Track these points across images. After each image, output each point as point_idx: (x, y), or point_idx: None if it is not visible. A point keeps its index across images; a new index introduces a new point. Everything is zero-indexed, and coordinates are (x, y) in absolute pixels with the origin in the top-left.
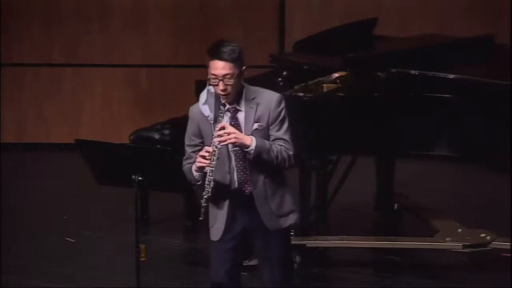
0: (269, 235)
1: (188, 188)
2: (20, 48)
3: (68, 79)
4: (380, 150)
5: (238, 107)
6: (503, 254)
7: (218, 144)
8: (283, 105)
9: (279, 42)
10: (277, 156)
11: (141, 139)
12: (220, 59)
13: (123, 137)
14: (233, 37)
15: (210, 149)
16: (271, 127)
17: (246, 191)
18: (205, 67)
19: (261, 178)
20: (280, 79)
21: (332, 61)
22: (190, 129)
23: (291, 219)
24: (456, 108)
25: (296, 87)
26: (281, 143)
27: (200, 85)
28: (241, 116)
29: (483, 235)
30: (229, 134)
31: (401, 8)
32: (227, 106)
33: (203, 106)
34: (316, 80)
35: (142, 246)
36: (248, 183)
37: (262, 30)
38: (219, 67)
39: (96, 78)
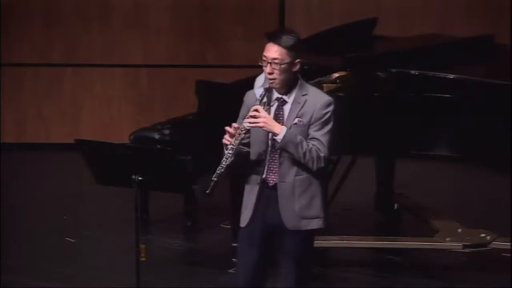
0: (287, 233)
1: (188, 188)
2: (20, 48)
3: (68, 79)
4: (380, 150)
5: (286, 99)
6: (503, 254)
7: (247, 125)
8: (330, 108)
9: None
10: (305, 153)
11: (141, 139)
12: (274, 42)
13: (123, 137)
14: (234, 37)
15: (236, 125)
16: (311, 126)
17: (271, 181)
18: (206, 67)
19: (291, 173)
20: None
21: (332, 61)
22: (242, 112)
23: (315, 224)
24: (456, 108)
25: None
26: (315, 143)
27: (200, 85)
28: (286, 108)
29: (483, 235)
30: (259, 117)
31: (401, 8)
32: (276, 95)
33: (258, 90)
34: (316, 80)
35: (142, 246)
36: (276, 174)
37: (262, 30)
38: (270, 50)
39: (96, 78)
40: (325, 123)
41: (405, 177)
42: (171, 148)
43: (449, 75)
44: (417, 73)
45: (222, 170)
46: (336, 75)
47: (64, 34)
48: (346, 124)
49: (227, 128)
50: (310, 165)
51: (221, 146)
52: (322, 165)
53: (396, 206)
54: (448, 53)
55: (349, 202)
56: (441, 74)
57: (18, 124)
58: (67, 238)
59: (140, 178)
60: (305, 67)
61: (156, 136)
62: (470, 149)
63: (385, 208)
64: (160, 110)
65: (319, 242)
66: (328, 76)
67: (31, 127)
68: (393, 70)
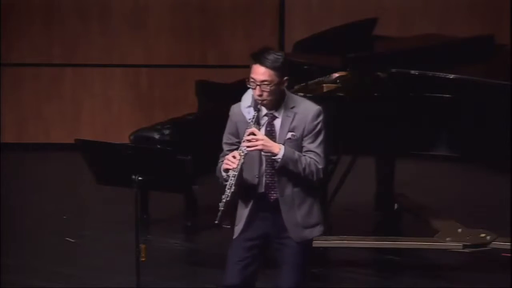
0: (290, 243)
1: (188, 188)
2: (20, 48)
3: (68, 79)
4: (380, 150)
5: (275, 114)
6: (503, 254)
7: (245, 149)
8: (320, 118)
9: (279, 42)
10: (304, 169)
11: (141, 139)
12: (262, 64)
13: (123, 137)
14: (233, 37)
15: (237, 154)
16: (304, 139)
17: (272, 197)
18: (205, 67)
19: (289, 186)
20: None
21: (332, 61)
22: (229, 128)
23: (317, 231)
24: (456, 108)
25: (296, 87)
26: (312, 155)
27: (200, 85)
28: (277, 123)
29: (483, 235)
30: (257, 140)
31: (401, 8)
32: (265, 111)
33: (246, 109)
34: (316, 80)
35: (142, 246)
36: (275, 189)
37: (262, 30)
38: (259, 72)
39: (96, 78)
40: (318, 134)
41: (405, 177)
42: (171, 148)
43: (449, 75)
44: (417, 73)
45: (228, 198)
46: (336, 75)
47: (64, 34)
48: (346, 124)
49: (230, 157)
50: (310, 178)
51: (221, 146)
52: (321, 176)
53: (396, 206)
54: (448, 53)
55: (349, 202)
56: (441, 74)
57: (18, 124)
58: (67, 238)
59: (140, 178)
60: (305, 67)
61: (156, 136)
62: (470, 149)
63: (385, 208)
64: (160, 110)
65: (319, 242)
66: (328, 76)
67: (31, 127)
68: (393, 70)
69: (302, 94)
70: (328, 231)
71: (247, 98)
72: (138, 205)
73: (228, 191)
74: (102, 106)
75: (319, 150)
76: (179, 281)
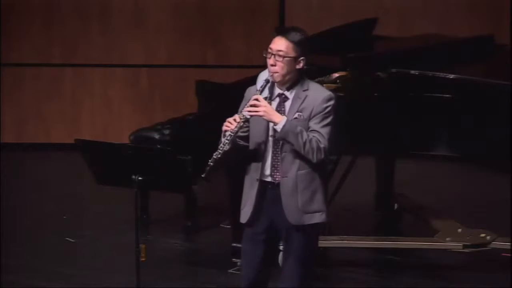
0: (291, 229)
1: (188, 188)
2: (20, 48)
3: (68, 79)
4: (380, 150)
5: (287, 95)
6: (503, 254)
7: (247, 113)
8: (330, 103)
9: None
10: (305, 143)
11: (141, 139)
12: (282, 35)
13: (123, 137)
14: (233, 37)
15: (237, 117)
16: (311, 120)
17: (277, 178)
18: (206, 67)
19: (293, 168)
20: None
21: (332, 61)
22: (242, 107)
23: (317, 218)
24: (456, 108)
25: None
26: (315, 134)
27: (200, 85)
28: (288, 104)
29: (483, 235)
30: (259, 106)
31: (402, 8)
32: (278, 91)
33: (260, 82)
34: (316, 80)
35: (142, 246)
36: (280, 170)
37: (262, 30)
38: (277, 42)
39: (96, 78)
40: (325, 116)
41: (405, 177)
42: (171, 148)
43: (449, 75)
44: (417, 73)
45: (219, 156)
46: (336, 75)
47: (64, 34)
48: (346, 124)
49: (229, 119)
50: (310, 156)
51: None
52: (322, 156)
53: (396, 206)
54: (448, 53)
55: (349, 202)
56: (441, 74)
57: (18, 124)
58: (67, 238)
59: (140, 178)
60: (305, 67)
61: (156, 136)
62: (470, 149)
63: (385, 208)
64: (160, 110)
65: (319, 242)
66: (328, 76)
67: (31, 127)
68: (393, 70)
69: None
70: (328, 231)
71: (262, 78)
72: (138, 205)
73: (221, 148)
74: (102, 106)
75: (324, 131)
76: (179, 281)
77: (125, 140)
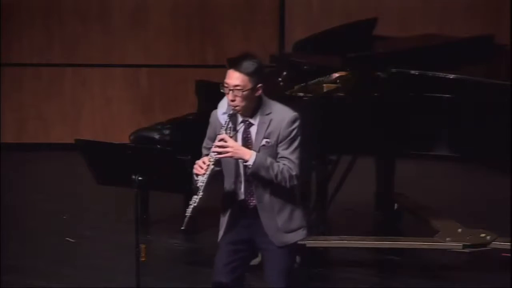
0: (274, 248)
1: (188, 188)
2: (20, 48)
3: (68, 79)
4: (380, 150)
5: (251, 121)
6: (503, 254)
7: (215, 155)
8: (296, 125)
9: (279, 42)
10: (276, 175)
11: (141, 139)
12: (235, 69)
13: (123, 137)
14: (233, 37)
15: (206, 160)
16: (279, 145)
17: (251, 203)
18: (205, 67)
19: (267, 192)
20: (280, 79)
21: (332, 61)
22: (208, 132)
23: (299, 234)
24: (456, 108)
25: (296, 87)
26: (285, 162)
27: (200, 85)
28: (253, 130)
29: (483, 235)
30: (226, 147)
31: (401, 8)
32: (241, 118)
33: (222, 116)
34: (316, 80)
35: (142, 246)
36: (254, 196)
37: (262, 30)
38: (232, 77)
39: (96, 78)
40: (292, 140)
41: (405, 177)
42: (171, 148)
43: (449, 75)
44: (417, 73)
45: (196, 205)
46: (336, 75)
47: (64, 34)
48: (346, 124)
49: (198, 162)
50: (283, 184)
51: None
52: (295, 183)
53: (396, 206)
54: (448, 53)
55: (349, 202)
56: (441, 74)
57: (18, 124)
58: (67, 238)
59: (140, 178)
60: (305, 67)
61: (156, 136)
62: (470, 149)
63: (385, 208)
64: (160, 110)
65: (319, 242)
66: (328, 76)
67: (31, 127)
68: (393, 70)
69: (302, 94)
70: (328, 231)
71: (223, 104)
72: (138, 205)
73: (196, 197)
74: (102, 106)
75: (293, 157)
76: (179, 281)
77: (125, 140)
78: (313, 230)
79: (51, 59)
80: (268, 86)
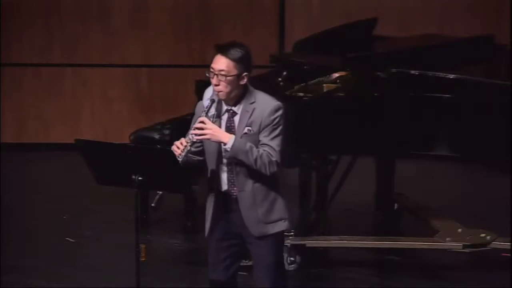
0: (256, 240)
1: (188, 188)
2: (20, 48)
3: (68, 79)
4: (380, 150)
5: (235, 110)
6: (503, 254)
7: (193, 136)
8: (278, 113)
9: (279, 42)
10: (255, 160)
11: (141, 139)
12: (222, 54)
13: (123, 137)
14: (233, 37)
15: (184, 141)
16: (261, 133)
17: (234, 193)
18: (205, 66)
19: (249, 182)
20: (280, 79)
21: (332, 61)
22: (192, 122)
23: (280, 226)
24: (456, 108)
25: (296, 87)
26: (265, 148)
27: (200, 85)
28: (236, 118)
29: (483, 235)
30: (205, 129)
31: (401, 8)
32: (225, 107)
33: (206, 101)
34: (316, 80)
35: (142, 246)
36: (236, 185)
37: (262, 30)
38: (218, 62)
39: (96, 78)
40: (274, 128)
41: (405, 177)
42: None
43: (449, 75)
44: (417, 73)
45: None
46: (336, 75)
47: (64, 34)
48: (346, 124)
49: (176, 142)
50: (263, 170)
51: None
52: (275, 169)
53: (396, 206)
54: (448, 53)
55: (349, 202)
56: (441, 74)
57: (18, 124)
58: (67, 238)
59: (140, 178)
60: (305, 67)
61: (156, 136)
62: (470, 149)
63: (385, 208)
64: (160, 110)
65: (319, 242)
66: (328, 76)
67: (31, 127)
68: (393, 70)
69: (302, 94)
70: (328, 231)
71: (209, 92)
72: (138, 205)
73: None
74: (102, 106)
75: (273, 144)
76: (179, 281)
77: (125, 140)
78: (313, 230)
79: (51, 59)
80: (268, 86)
